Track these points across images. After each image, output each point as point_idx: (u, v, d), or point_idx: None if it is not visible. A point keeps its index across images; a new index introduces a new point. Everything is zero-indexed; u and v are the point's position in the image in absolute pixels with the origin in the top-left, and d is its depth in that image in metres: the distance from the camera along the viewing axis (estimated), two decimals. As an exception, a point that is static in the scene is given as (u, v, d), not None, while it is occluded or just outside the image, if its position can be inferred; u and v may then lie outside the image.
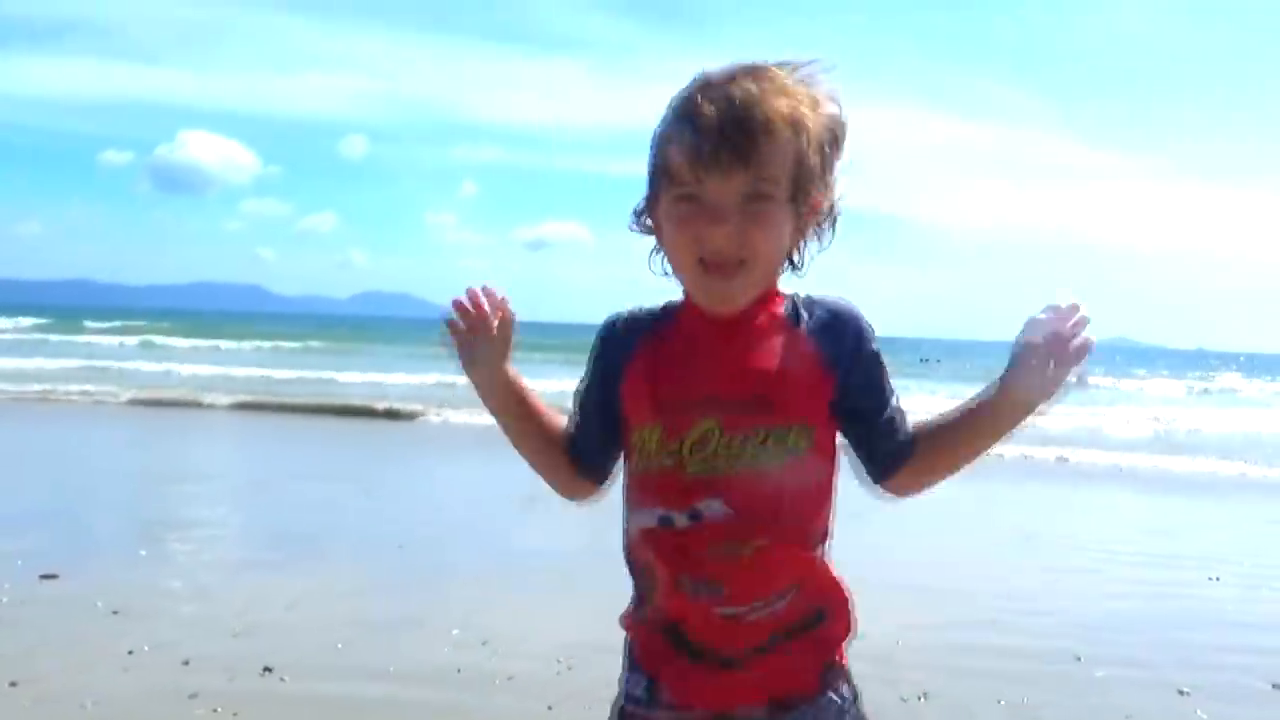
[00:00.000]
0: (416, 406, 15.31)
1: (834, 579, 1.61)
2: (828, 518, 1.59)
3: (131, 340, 36.44)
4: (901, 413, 1.59)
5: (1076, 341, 1.45)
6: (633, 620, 1.67)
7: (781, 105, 1.43)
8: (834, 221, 1.58)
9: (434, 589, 5.55)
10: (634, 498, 1.59)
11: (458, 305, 1.61)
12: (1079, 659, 4.61)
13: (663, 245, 1.57)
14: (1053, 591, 6.01)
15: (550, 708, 3.85)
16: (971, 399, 1.55)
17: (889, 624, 4.96)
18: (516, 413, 1.66)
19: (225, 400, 15.81)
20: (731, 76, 1.45)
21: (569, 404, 1.70)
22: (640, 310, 1.63)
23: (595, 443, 1.65)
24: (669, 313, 1.61)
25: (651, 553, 1.56)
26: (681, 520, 1.51)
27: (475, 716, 3.80)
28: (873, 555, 6.63)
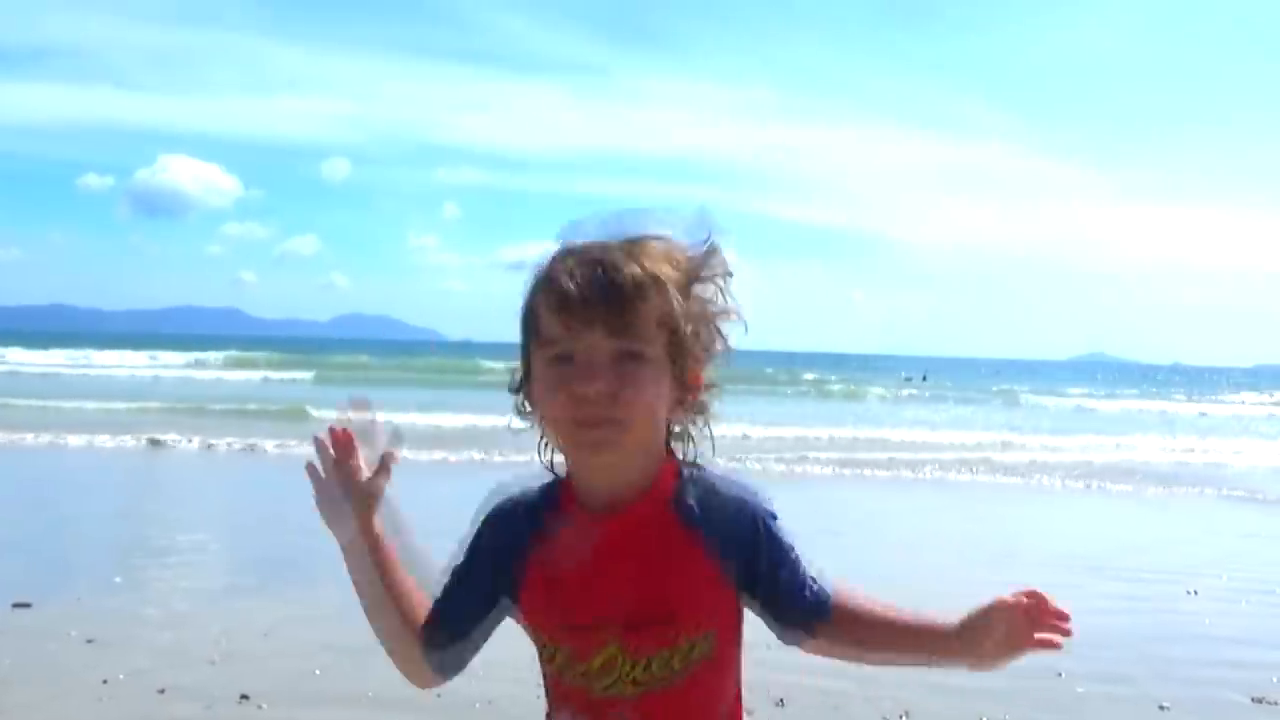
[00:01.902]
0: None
1: None
2: (735, 699, 1.55)
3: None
4: (806, 576, 1.51)
5: (1046, 637, 1.45)
6: None
7: (648, 267, 1.42)
8: (710, 401, 1.53)
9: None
10: (549, 693, 1.56)
11: (318, 442, 1.50)
12: (1060, 675, 4.62)
13: (542, 419, 1.49)
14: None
15: (529, 731, 3.82)
16: (918, 617, 1.50)
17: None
18: (372, 586, 1.56)
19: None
20: (596, 245, 1.44)
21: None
22: (529, 494, 1.55)
23: (458, 628, 1.58)
24: (554, 503, 1.52)
25: None
26: None
27: (455, 742, 3.77)
28: (851, 573, 6.62)
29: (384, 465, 1.53)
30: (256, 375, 33.16)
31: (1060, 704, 4.31)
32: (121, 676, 4.33)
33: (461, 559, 1.58)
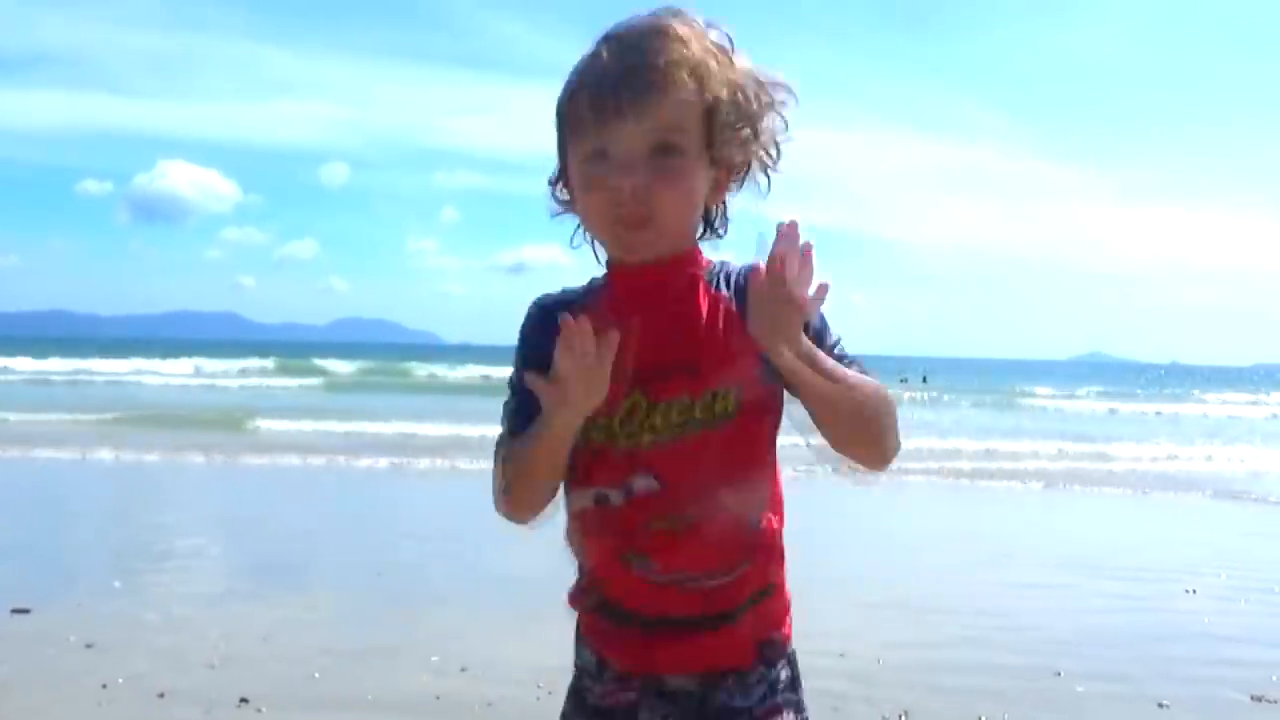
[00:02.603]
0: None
1: (781, 579, 1.56)
2: (768, 485, 1.52)
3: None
4: (851, 360, 1.47)
5: (796, 291, 1.29)
6: (576, 598, 1.63)
7: (685, 53, 1.38)
8: (764, 170, 1.50)
9: (412, 616, 5.51)
10: (570, 480, 1.53)
11: (569, 326, 1.34)
12: (1059, 674, 4.62)
13: (578, 213, 1.51)
14: (1031, 608, 6.03)
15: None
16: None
17: (870, 642, 4.96)
18: (560, 449, 1.47)
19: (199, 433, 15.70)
20: (634, 27, 1.41)
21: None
22: (566, 292, 1.56)
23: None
24: (593, 289, 1.54)
25: (590, 530, 1.53)
26: (616, 497, 1.48)
27: (455, 744, 3.76)
28: (853, 574, 6.64)
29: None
30: (251, 382, 33.01)
31: (1059, 703, 4.31)
32: (120, 681, 4.32)
33: (516, 372, 1.53)
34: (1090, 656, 4.98)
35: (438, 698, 4.24)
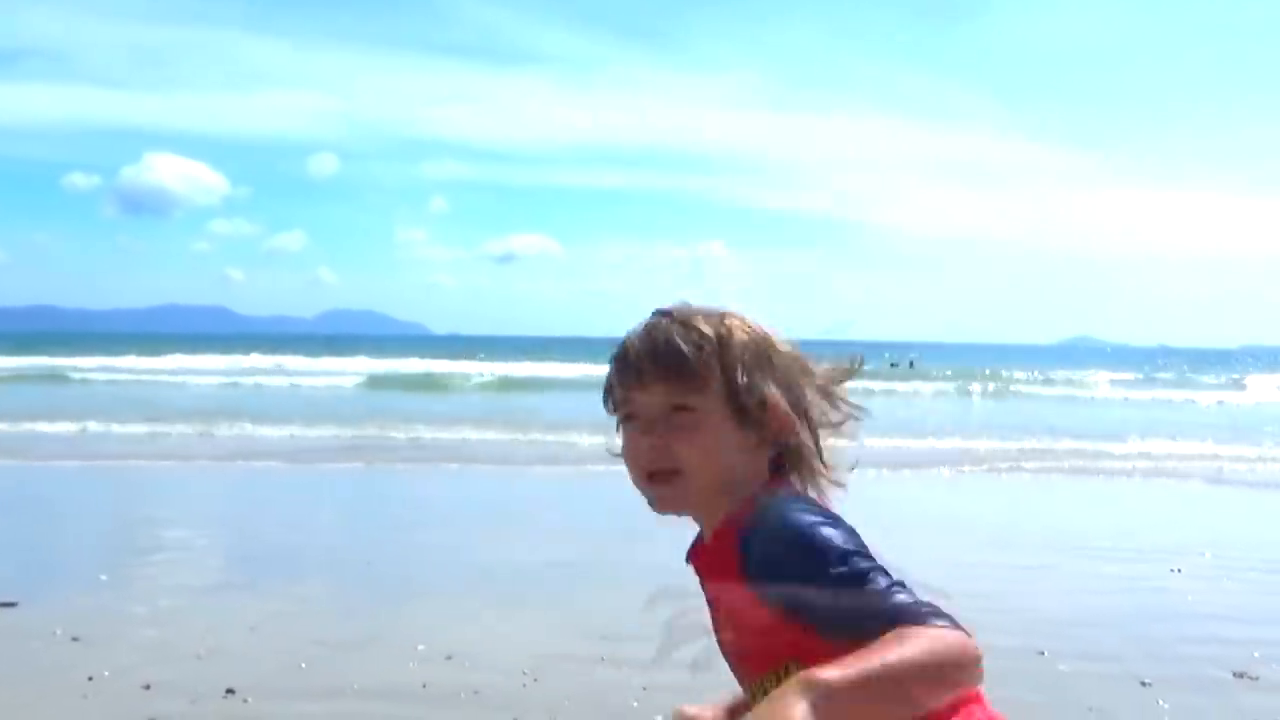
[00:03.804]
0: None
1: None
2: None
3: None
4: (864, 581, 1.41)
5: None
6: None
7: (697, 326, 1.51)
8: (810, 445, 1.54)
9: (398, 606, 5.52)
10: None
11: None
12: (1043, 653, 4.65)
13: None
14: (1018, 589, 6.06)
15: (516, 719, 3.83)
16: None
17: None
18: None
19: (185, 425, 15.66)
20: (657, 320, 1.55)
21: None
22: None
23: None
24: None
25: None
26: None
27: (441, 731, 3.77)
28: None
29: None
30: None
31: (1043, 682, 4.33)
32: (107, 673, 4.32)
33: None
34: (1074, 636, 5.01)
35: (424, 686, 4.25)
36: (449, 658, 4.56)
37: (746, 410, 1.51)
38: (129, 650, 4.64)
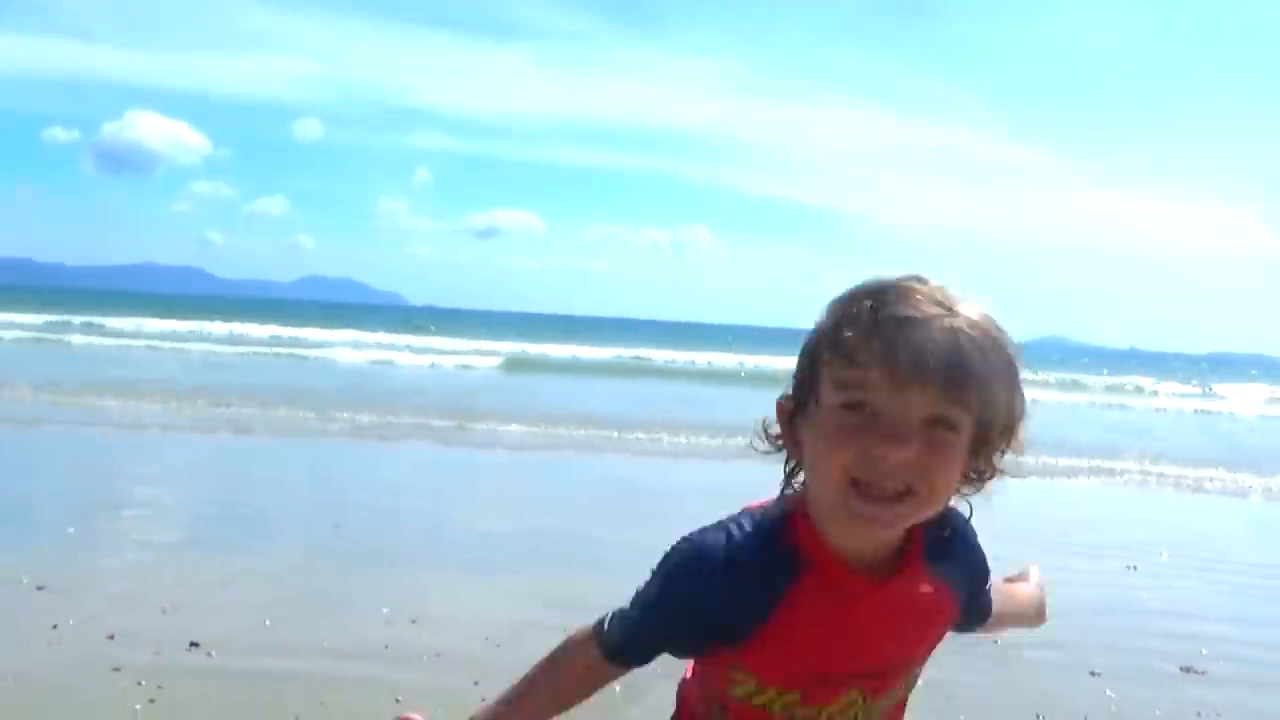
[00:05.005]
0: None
1: None
2: None
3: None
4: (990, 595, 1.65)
5: None
6: None
7: (1003, 355, 1.27)
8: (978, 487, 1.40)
9: (366, 569, 5.56)
10: (733, 715, 1.43)
11: None
12: (996, 642, 4.74)
13: (800, 458, 1.35)
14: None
15: (477, 683, 3.88)
16: (1020, 599, 1.88)
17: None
18: None
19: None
20: (963, 306, 1.26)
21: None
22: (746, 543, 1.36)
23: (645, 661, 1.46)
24: (787, 553, 1.35)
25: None
26: None
27: (402, 690, 3.82)
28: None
29: None
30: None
31: (995, 668, 4.42)
32: (72, 622, 4.35)
33: (656, 616, 1.40)
34: (1029, 626, 5.10)
35: (386, 647, 4.30)
36: (414, 621, 4.61)
37: (982, 452, 1.33)
38: (94, 601, 4.67)
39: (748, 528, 1.36)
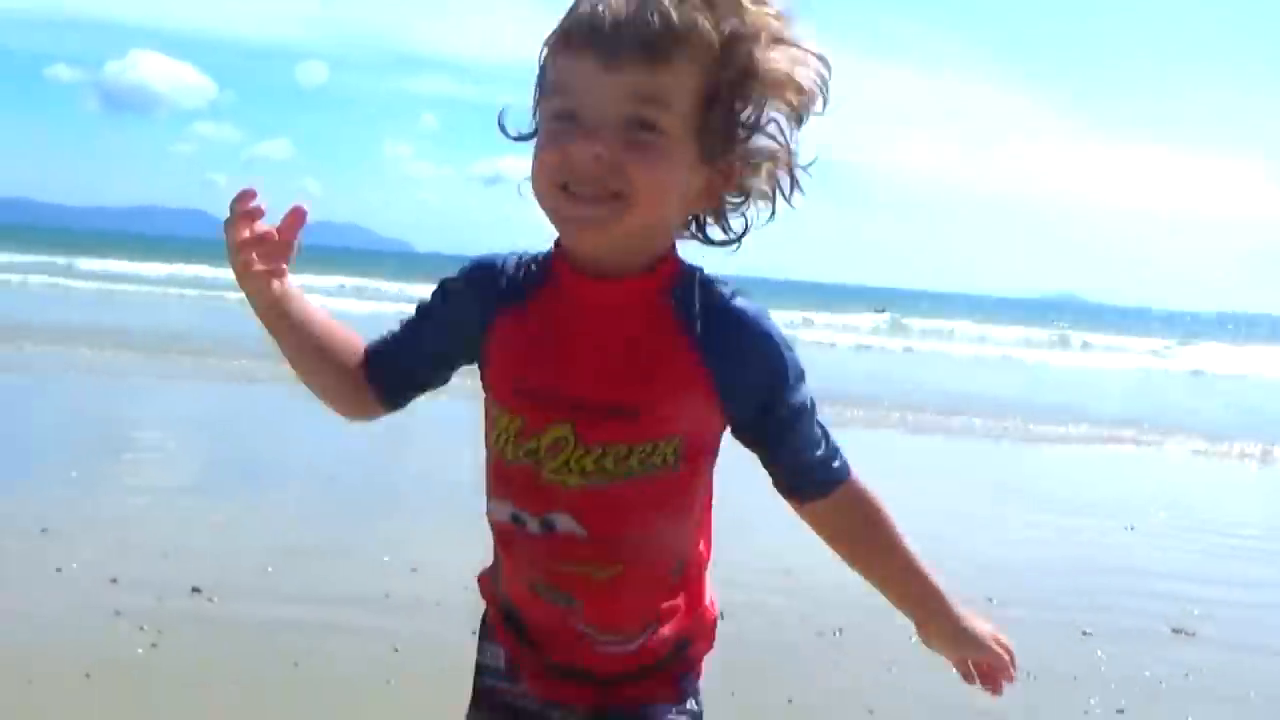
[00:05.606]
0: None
1: (704, 607, 1.48)
2: (700, 541, 1.44)
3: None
4: (815, 451, 1.40)
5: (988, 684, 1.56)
6: (487, 586, 1.55)
7: (706, 22, 1.17)
8: (775, 193, 1.32)
9: (366, 517, 5.60)
10: (491, 480, 1.43)
11: (241, 197, 1.35)
12: (991, 600, 4.77)
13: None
14: (974, 539, 6.18)
15: (474, 633, 3.92)
16: (909, 571, 1.55)
17: (813, 563, 5.08)
18: (302, 328, 1.47)
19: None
20: None
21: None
22: (524, 259, 1.39)
23: (406, 366, 1.49)
24: (541, 268, 1.37)
25: (502, 544, 1.44)
26: (533, 525, 1.36)
27: (401, 638, 3.87)
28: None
29: (296, 217, 1.40)
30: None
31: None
32: (74, 565, 4.39)
33: (429, 301, 1.46)
34: (1024, 585, 5.15)
35: (387, 595, 4.34)
36: (414, 570, 4.65)
37: (714, 145, 1.25)
38: (97, 544, 4.71)
39: (531, 252, 1.40)
